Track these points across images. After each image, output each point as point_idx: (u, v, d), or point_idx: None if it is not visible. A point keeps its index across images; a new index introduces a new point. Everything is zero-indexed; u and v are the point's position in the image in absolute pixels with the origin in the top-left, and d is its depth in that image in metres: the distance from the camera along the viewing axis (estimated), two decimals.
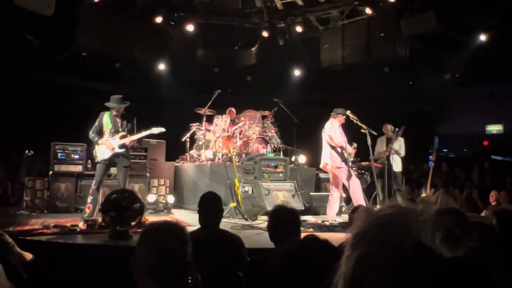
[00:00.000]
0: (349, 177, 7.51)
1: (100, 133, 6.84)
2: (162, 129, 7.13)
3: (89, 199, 6.69)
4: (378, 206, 0.78)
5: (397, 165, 8.94)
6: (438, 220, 0.64)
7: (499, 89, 13.44)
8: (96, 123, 6.90)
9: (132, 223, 5.20)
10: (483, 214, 8.09)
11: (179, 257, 1.69)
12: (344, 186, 7.64)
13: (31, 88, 12.60)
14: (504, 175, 11.15)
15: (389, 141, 8.86)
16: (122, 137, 6.79)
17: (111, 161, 6.82)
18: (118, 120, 6.88)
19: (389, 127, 9.02)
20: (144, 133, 7.04)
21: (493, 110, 14.37)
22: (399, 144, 8.94)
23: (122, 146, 6.79)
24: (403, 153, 8.95)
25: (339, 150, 7.48)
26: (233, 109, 10.41)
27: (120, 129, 6.84)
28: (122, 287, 1.67)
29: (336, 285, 0.72)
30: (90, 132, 6.88)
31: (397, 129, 8.57)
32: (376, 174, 7.86)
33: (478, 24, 10.87)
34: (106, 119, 6.88)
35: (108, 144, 6.75)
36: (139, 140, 7.77)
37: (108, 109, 6.91)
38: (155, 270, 1.64)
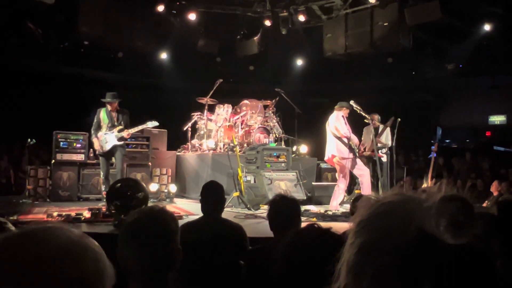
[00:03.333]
0: (358, 166, 7.52)
1: (98, 128, 7.41)
2: (156, 123, 7.73)
3: (104, 188, 7.18)
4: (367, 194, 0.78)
5: (382, 156, 8.64)
6: (443, 207, 0.64)
7: (502, 80, 13.36)
8: (95, 120, 7.46)
9: None
10: (484, 204, 8.10)
11: (165, 251, 1.62)
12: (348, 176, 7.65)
13: (33, 77, 12.58)
14: (507, 165, 11.14)
15: (376, 131, 8.59)
16: (120, 130, 7.34)
17: (110, 152, 7.42)
18: (114, 114, 7.42)
19: (376, 116, 8.81)
20: (140, 127, 7.66)
21: (496, 100, 14.30)
22: (386, 135, 8.69)
23: (120, 139, 7.39)
24: (389, 143, 8.67)
25: (346, 140, 7.47)
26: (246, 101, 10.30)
27: (116, 123, 7.40)
28: (125, 276, 1.66)
29: (339, 272, 0.72)
30: (92, 129, 7.47)
31: (394, 118, 8.31)
32: (375, 163, 7.81)
33: (483, 14, 10.78)
34: (102, 115, 7.42)
35: (96, 143, 7.37)
36: (141, 130, 8.19)
37: (104, 105, 7.46)
38: (140, 266, 1.59)
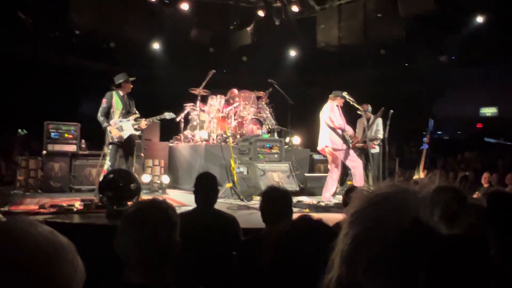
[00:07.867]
0: (351, 158, 7.52)
1: (108, 114, 6.66)
2: (173, 115, 7.37)
3: None
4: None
5: (374, 148, 8.57)
6: (437, 197, 0.64)
7: (494, 71, 13.42)
8: (105, 104, 6.65)
9: (129, 203, 5.21)
10: (475, 195, 8.17)
11: (165, 243, 1.63)
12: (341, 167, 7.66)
13: (24, 67, 12.44)
14: (497, 157, 11.23)
15: (367, 121, 8.51)
16: (137, 119, 6.74)
17: (124, 143, 6.73)
18: (127, 100, 6.79)
19: (367, 107, 8.67)
20: (158, 117, 7.08)
21: (488, 92, 14.37)
22: (376, 125, 8.65)
23: (138, 128, 6.80)
24: (380, 135, 8.61)
25: (340, 132, 7.46)
26: (235, 90, 10.28)
27: (131, 110, 6.76)
28: (118, 267, 1.66)
29: (333, 262, 0.72)
30: (99, 114, 6.68)
31: (385, 109, 8.22)
32: (370, 155, 7.83)
33: (476, 5, 10.78)
34: (116, 100, 6.69)
35: (115, 132, 6.61)
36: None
37: (111, 88, 6.76)
38: (140, 257, 1.60)
